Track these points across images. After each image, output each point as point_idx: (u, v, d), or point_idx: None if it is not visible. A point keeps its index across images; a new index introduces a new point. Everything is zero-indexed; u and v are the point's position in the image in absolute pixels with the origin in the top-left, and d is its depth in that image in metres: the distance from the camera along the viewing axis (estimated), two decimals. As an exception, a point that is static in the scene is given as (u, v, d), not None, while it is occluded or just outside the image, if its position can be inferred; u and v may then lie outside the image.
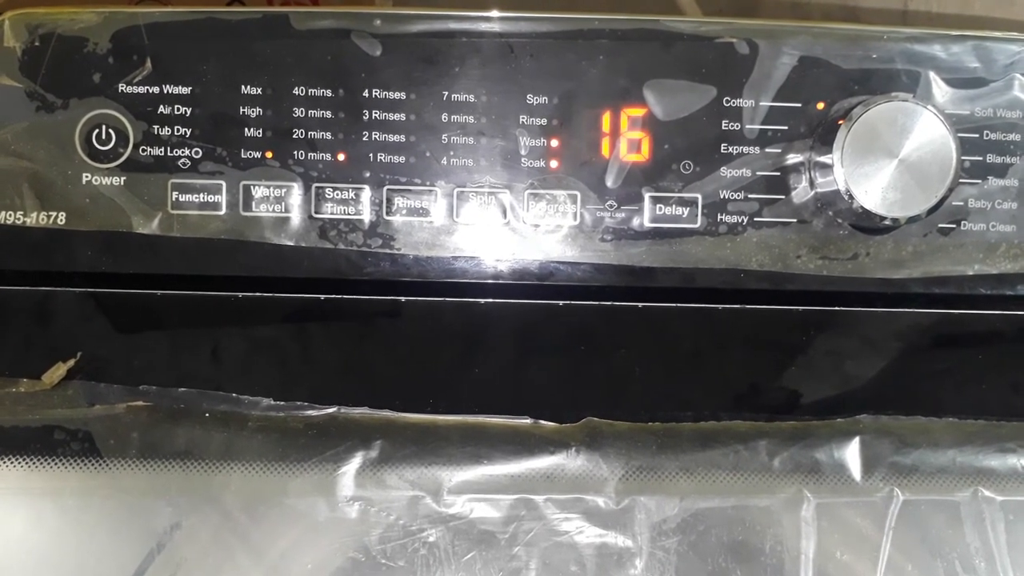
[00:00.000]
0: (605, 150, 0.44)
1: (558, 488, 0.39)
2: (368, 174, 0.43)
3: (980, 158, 0.45)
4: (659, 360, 0.44)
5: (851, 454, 0.40)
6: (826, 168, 0.42)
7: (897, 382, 0.44)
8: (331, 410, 0.41)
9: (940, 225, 0.44)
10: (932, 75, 0.44)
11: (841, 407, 0.43)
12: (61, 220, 0.43)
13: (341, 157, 0.43)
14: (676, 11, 0.73)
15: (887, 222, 0.42)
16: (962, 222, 0.45)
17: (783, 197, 0.44)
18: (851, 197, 0.42)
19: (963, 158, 0.43)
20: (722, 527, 0.39)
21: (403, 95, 0.43)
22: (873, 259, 0.44)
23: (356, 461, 0.39)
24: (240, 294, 0.44)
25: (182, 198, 0.43)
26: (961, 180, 0.44)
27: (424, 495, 0.39)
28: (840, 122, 0.42)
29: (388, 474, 0.39)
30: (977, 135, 0.45)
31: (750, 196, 0.44)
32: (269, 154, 0.43)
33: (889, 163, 0.42)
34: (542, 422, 0.41)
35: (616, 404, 0.43)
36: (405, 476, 0.39)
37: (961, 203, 0.45)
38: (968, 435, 0.41)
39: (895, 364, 0.44)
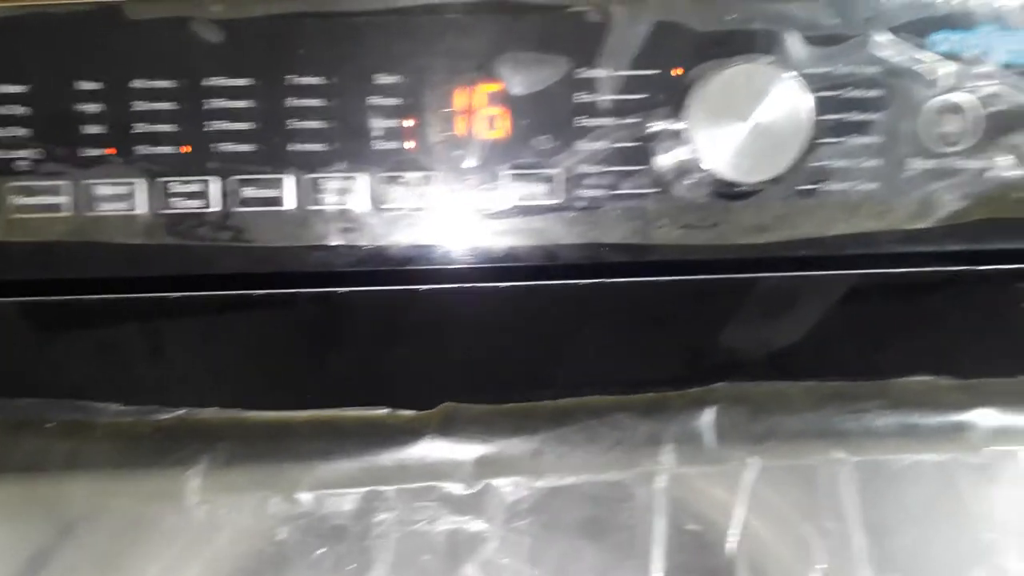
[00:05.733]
0: (461, 128, 0.43)
1: (412, 477, 0.39)
2: (214, 165, 0.42)
3: (840, 116, 0.44)
4: (518, 339, 0.43)
5: (706, 423, 0.40)
6: (680, 135, 0.42)
7: (756, 348, 0.44)
8: (180, 412, 0.40)
9: (801, 187, 0.44)
10: (790, 34, 0.44)
11: (699, 376, 0.43)
12: None
13: (185, 149, 0.42)
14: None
15: (743, 188, 0.42)
16: (823, 183, 0.44)
17: (643, 167, 0.43)
18: (704, 164, 0.41)
19: (822, 117, 0.43)
20: (576, 505, 0.38)
21: (246, 81, 0.42)
22: (734, 225, 0.44)
23: (204, 463, 0.38)
24: (87, 297, 0.42)
25: (22, 201, 0.42)
26: (822, 140, 0.43)
27: (273, 494, 0.38)
28: (691, 88, 0.41)
29: (237, 475, 0.38)
30: (837, 93, 0.44)
31: (609, 168, 0.43)
32: (111, 151, 0.42)
33: (741, 127, 0.41)
34: (399, 411, 0.41)
35: (474, 387, 0.42)
36: (254, 476, 0.38)
37: (822, 163, 0.44)
38: (823, 398, 0.41)
39: (754, 330, 0.44)
